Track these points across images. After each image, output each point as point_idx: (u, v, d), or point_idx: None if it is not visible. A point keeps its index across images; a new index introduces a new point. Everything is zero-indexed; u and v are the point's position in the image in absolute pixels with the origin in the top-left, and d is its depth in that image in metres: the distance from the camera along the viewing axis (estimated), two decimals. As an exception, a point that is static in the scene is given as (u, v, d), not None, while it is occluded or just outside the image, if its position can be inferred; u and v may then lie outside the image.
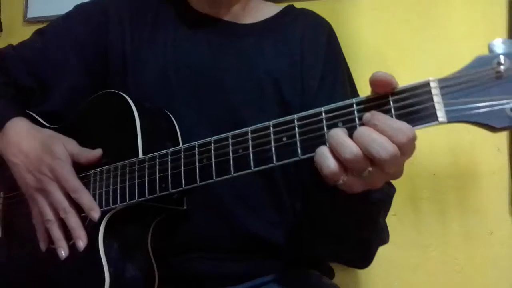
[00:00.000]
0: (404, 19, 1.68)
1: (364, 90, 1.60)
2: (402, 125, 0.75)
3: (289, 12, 1.37)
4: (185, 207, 1.11)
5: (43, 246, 1.12)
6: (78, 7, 1.39)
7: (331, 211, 0.96)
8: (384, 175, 0.78)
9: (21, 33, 1.99)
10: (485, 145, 1.54)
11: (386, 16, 1.70)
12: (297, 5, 1.43)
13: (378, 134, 0.75)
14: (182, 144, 1.14)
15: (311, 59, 1.26)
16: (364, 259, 1.09)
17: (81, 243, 1.04)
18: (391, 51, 1.68)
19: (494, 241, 1.54)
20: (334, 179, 0.79)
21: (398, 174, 0.80)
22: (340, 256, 1.15)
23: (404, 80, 1.61)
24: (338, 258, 1.19)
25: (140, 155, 1.06)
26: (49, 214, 1.08)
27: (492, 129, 0.70)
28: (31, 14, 2.07)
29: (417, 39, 1.66)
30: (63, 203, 1.07)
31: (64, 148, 1.10)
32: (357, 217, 0.96)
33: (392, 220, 1.02)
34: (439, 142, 1.52)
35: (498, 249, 1.54)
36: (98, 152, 1.12)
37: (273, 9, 1.36)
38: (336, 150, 0.77)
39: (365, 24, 1.72)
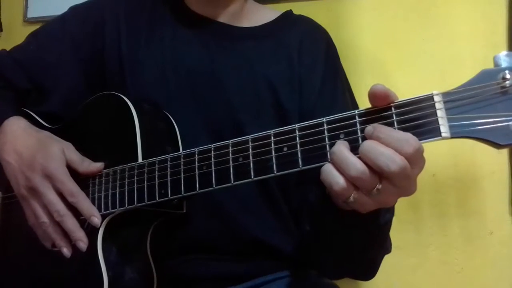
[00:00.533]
0: (404, 19, 1.67)
1: (364, 90, 1.59)
2: (407, 136, 0.74)
3: (287, 18, 1.36)
4: (184, 211, 1.11)
5: (48, 245, 1.09)
6: (73, 8, 1.38)
7: (341, 233, 0.95)
8: (396, 190, 0.77)
9: (21, 33, 1.97)
10: (485, 145, 1.53)
11: (386, 16, 1.69)
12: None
13: (384, 147, 0.73)
14: (182, 146, 1.15)
15: (309, 65, 1.25)
16: (369, 273, 1.09)
17: (82, 244, 1.03)
18: (391, 51, 1.67)
19: (494, 241, 1.54)
20: (346, 196, 0.77)
21: (411, 189, 0.78)
22: (346, 273, 1.15)
23: (404, 80, 1.63)
24: (343, 275, 1.19)
25: (140, 159, 1.06)
26: (43, 216, 1.06)
27: (496, 145, 0.70)
28: (31, 14, 2.06)
29: (417, 39, 1.65)
30: (57, 205, 1.04)
31: (62, 151, 1.08)
32: (368, 238, 0.95)
33: (392, 220, 1.03)
34: (439, 143, 1.48)
35: (498, 249, 1.54)
36: (101, 165, 1.10)
37: (270, 15, 1.35)
38: (341, 167, 0.76)
39: (364, 24, 1.70)
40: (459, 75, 1.56)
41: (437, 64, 1.62)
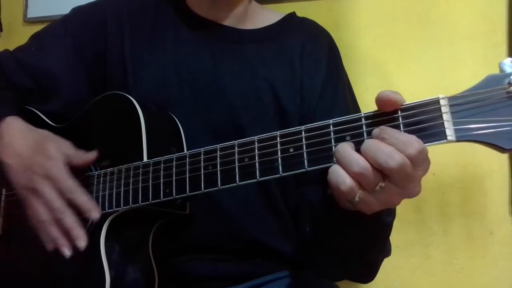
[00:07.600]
0: (404, 19, 1.67)
1: (364, 90, 1.61)
2: (411, 138, 0.75)
3: (290, 20, 1.36)
4: (187, 212, 1.11)
5: (50, 247, 1.07)
6: (75, 10, 1.38)
7: (341, 233, 0.96)
8: (399, 190, 0.77)
9: (21, 33, 1.98)
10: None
11: (386, 16, 1.69)
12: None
13: (385, 145, 0.75)
14: (186, 148, 1.15)
15: (311, 69, 1.25)
16: (369, 275, 1.10)
17: (82, 242, 1.01)
18: (391, 51, 1.68)
19: (495, 241, 1.55)
20: (352, 195, 0.78)
21: (415, 189, 0.79)
22: (346, 274, 1.15)
23: (404, 80, 1.63)
24: (343, 277, 1.20)
25: (145, 158, 1.06)
26: (44, 215, 1.04)
27: (501, 149, 0.71)
28: (31, 14, 2.07)
29: (417, 39, 1.66)
30: (56, 202, 1.03)
31: (58, 148, 1.08)
32: (368, 239, 0.96)
33: (393, 224, 1.03)
34: (440, 142, 1.50)
35: (498, 249, 1.54)
36: (93, 154, 1.10)
37: (274, 16, 1.35)
38: (344, 164, 0.77)
39: (365, 24, 1.71)
40: (459, 75, 1.59)
41: (437, 64, 1.63)
